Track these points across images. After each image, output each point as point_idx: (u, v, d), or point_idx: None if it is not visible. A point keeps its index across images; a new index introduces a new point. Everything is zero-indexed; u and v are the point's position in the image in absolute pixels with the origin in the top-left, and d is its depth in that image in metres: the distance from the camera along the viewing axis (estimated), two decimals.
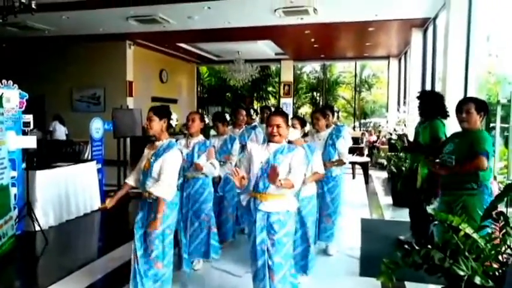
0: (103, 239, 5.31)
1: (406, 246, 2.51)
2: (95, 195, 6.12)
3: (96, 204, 6.09)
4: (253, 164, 2.78)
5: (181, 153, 3.17)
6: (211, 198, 3.87)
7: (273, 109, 7.55)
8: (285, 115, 2.83)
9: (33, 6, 5.10)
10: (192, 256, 3.77)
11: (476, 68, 5.52)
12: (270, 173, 2.50)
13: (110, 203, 3.06)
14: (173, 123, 3.06)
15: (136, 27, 9.09)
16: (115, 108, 7.95)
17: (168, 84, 13.67)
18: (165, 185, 2.86)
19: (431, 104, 4.10)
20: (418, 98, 4.33)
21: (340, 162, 4.23)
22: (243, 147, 4.63)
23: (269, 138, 2.81)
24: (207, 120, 3.99)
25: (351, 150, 5.99)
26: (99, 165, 6.49)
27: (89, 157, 6.72)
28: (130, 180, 3.16)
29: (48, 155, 6.18)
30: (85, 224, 5.63)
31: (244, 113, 5.11)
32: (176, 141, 3.18)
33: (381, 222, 5.80)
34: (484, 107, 3.20)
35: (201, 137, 3.79)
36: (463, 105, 3.19)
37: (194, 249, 3.76)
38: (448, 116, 3.97)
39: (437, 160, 3.40)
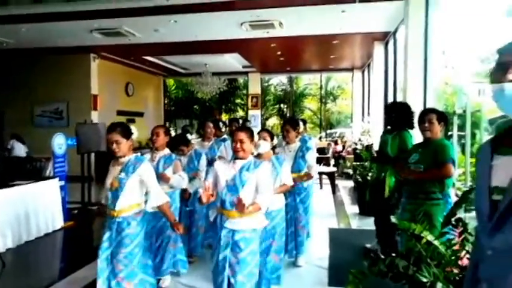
0: (65, 259, 5.09)
1: (372, 254, 2.56)
2: (57, 214, 5.87)
3: (59, 223, 5.85)
4: (219, 182, 2.81)
5: None
6: (177, 214, 3.81)
7: (241, 121, 7.59)
8: (248, 131, 2.88)
9: None
10: (159, 274, 3.67)
11: (434, 79, 5.76)
12: (237, 205, 2.58)
13: None
14: (134, 137, 3.01)
15: (101, 40, 8.93)
16: (79, 123, 7.73)
17: (134, 97, 13.46)
18: (159, 193, 2.93)
19: (401, 115, 4.19)
20: (388, 108, 4.46)
21: (309, 176, 4.25)
22: (212, 162, 4.59)
23: (235, 154, 2.85)
24: (172, 133, 3.96)
25: (318, 160, 6.09)
26: (62, 182, 6.26)
27: (51, 174, 6.47)
28: (104, 200, 3.07)
29: (6, 172, 5.90)
30: (45, 244, 5.38)
31: (212, 125, 5.09)
32: (142, 155, 3.13)
33: (348, 231, 5.88)
34: (444, 118, 3.37)
35: (166, 151, 3.76)
36: (425, 116, 3.33)
37: (159, 267, 3.66)
38: (414, 127, 4.10)
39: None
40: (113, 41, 9.11)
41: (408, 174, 3.35)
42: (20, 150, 9.12)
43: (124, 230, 2.86)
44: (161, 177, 3.51)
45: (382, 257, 2.31)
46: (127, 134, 2.93)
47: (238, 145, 2.77)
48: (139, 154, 3.01)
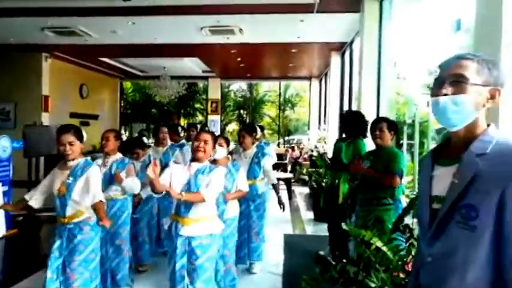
0: (6, 269, 4.77)
1: (324, 261, 2.61)
2: None
3: (0, 231, 5.49)
4: (173, 185, 2.75)
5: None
6: (129, 221, 3.70)
7: (199, 126, 7.51)
8: (214, 135, 2.91)
9: None
10: (114, 284, 3.53)
11: (386, 89, 6.00)
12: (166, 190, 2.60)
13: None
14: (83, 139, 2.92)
15: (54, 39, 8.53)
16: (27, 125, 7.34)
17: (88, 100, 12.96)
18: (97, 193, 2.82)
19: (355, 123, 4.31)
20: (343, 117, 4.58)
21: (278, 194, 4.51)
22: (165, 167, 4.50)
23: (194, 153, 2.82)
24: (124, 138, 3.86)
25: (276, 167, 6.13)
26: (5, 188, 5.88)
27: None
28: (33, 202, 2.93)
29: None
30: None
31: (165, 130, 4.97)
32: (93, 160, 3.04)
33: (303, 237, 5.95)
34: (394, 127, 3.53)
35: (118, 155, 3.64)
36: (377, 124, 3.49)
37: (115, 276, 3.52)
38: (367, 136, 4.23)
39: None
40: (67, 40, 8.73)
41: (362, 169, 3.45)
42: None
43: (76, 237, 2.75)
44: (115, 178, 3.41)
45: (334, 263, 2.36)
46: (81, 136, 2.84)
47: (202, 144, 2.76)
48: (88, 158, 2.91)
